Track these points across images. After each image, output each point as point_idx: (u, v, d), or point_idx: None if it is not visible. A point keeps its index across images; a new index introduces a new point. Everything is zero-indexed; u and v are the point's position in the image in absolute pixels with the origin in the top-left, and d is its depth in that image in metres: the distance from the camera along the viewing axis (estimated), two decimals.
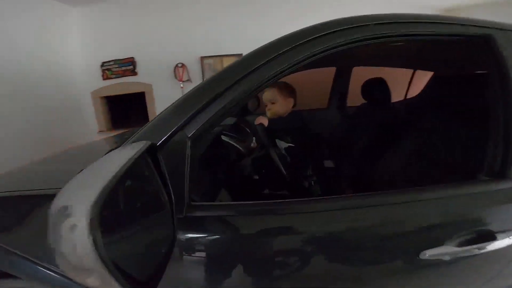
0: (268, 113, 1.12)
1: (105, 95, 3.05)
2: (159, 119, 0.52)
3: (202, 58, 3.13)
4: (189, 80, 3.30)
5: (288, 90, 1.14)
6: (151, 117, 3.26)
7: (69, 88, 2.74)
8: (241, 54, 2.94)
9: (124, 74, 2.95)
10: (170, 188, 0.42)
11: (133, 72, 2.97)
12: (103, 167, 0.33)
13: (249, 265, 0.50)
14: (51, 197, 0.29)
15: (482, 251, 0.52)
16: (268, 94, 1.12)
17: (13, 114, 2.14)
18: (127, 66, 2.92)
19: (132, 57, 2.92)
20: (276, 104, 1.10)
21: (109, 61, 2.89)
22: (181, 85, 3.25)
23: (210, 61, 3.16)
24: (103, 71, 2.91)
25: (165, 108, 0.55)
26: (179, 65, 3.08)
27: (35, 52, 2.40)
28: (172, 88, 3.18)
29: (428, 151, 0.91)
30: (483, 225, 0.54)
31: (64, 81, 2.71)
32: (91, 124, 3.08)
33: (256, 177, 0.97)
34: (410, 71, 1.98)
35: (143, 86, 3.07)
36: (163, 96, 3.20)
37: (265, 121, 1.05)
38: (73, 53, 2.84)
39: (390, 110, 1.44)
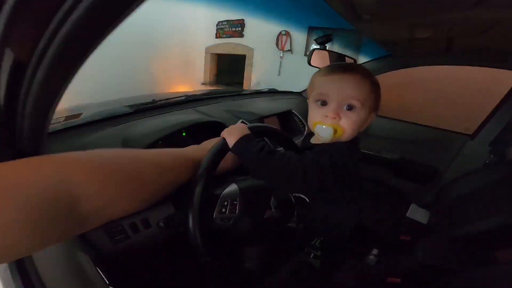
0: (325, 132, 0.47)
1: (214, 52, 3.38)
2: None
3: (311, 28, 2.75)
4: (290, 50, 3.07)
5: (379, 95, 0.52)
6: (245, 81, 3.40)
7: (187, 41, 3.20)
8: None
9: (233, 35, 3.08)
10: None
11: (241, 34, 3.05)
12: None
13: None
14: None
15: None
16: (348, 87, 0.47)
17: (134, 58, 2.76)
18: (237, 27, 3.00)
19: (243, 19, 2.96)
20: (356, 112, 0.47)
21: (223, 21, 3.07)
22: (281, 55, 3.09)
23: (319, 32, 2.74)
24: (217, 30, 3.15)
25: None
26: (283, 32, 2.86)
27: (162, 7, 2.87)
28: (271, 56, 3.08)
29: None
30: None
31: (184, 34, 3.17)
32: (198, 76, 3.57)
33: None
34: None
35: (245, 49, 3.13)
36: (261, 63, 3.19)
37: (232, 137, 0.44)
38: (196, 10, 3.20)
39: None
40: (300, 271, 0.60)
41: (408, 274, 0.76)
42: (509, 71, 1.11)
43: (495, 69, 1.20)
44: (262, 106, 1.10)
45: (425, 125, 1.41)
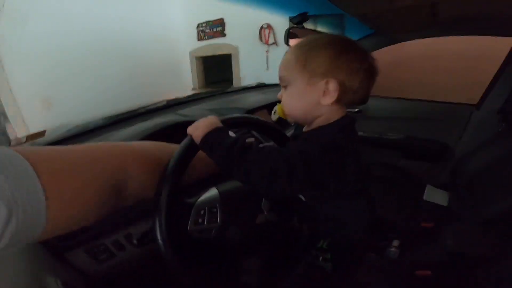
0: (277, 111, 0.45)
1: (199, 55, 3.33)
2: None
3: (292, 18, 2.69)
4: (275, 43, 3.01)
5: (338, 62, 0.40)
6: (235, 80, 3.34)
7: (170, 48, 3.15)
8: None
9: (214, 35, 3.03)
10: None
11: (222, 34, 2.99)
12: None
13: None
14: None
15: None
16: (280, 65, 0.45)
17: (119, 71, 2.71)
18: (217, 27, 2.95)
19: (222, 18, 2.90)
20: (289, 87, 0.43)
21: (203, 23, 3.02)
22: (266, 50, 3.03)
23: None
24: (198, 32, 3.10)
25: None
26: (264, 26, 2.81)
27: (140, 17, 2.82)
28: (257, 51, 3.02)
29: None
30: None
31: (166, 41, 3.12)
32: (187, 82, 3.52)
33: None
34: None
35: (230, 48, 3.08)
36: (248, 60, 3.13)
37: (199, 131, 0.38)
38: (174, 16, 3.15)
39: None
40: (311, 276, 0.51)
41: (438, 265, 0.67)
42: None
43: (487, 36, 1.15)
44: (250, 100, 1.04)
45: (426, 100, 1.35)
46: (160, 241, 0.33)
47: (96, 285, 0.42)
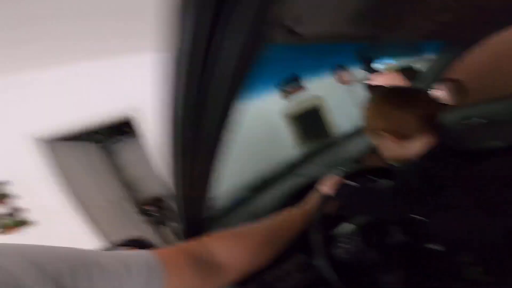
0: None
1: (290, 114, 3.68)
2: None
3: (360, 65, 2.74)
4: (353, 81, 3.05)
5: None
6: (331, 130, 3.34)
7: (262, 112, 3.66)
8: None
9: (295, 91, 3.39)
10: None
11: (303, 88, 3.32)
12: None
13: None
14: None
15: None
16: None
17: None
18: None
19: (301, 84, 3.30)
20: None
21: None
22: (349, 89, 3.09)
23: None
24: (283, 92, 3.57)
25: None
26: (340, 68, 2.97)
27: None
28: (340, 94, 3.10)
29: None
30: None
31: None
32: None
33: None
34: None
35: (315, 100, 3.29)
36: (336, 106, 3.23)
37: (327, 187, 0.60)
38: None
39: None
40: None
41: None
42: None
43: None
44: (357, 147, 1.12)
45: None
46: (325, 272, 0.49)
47: None
